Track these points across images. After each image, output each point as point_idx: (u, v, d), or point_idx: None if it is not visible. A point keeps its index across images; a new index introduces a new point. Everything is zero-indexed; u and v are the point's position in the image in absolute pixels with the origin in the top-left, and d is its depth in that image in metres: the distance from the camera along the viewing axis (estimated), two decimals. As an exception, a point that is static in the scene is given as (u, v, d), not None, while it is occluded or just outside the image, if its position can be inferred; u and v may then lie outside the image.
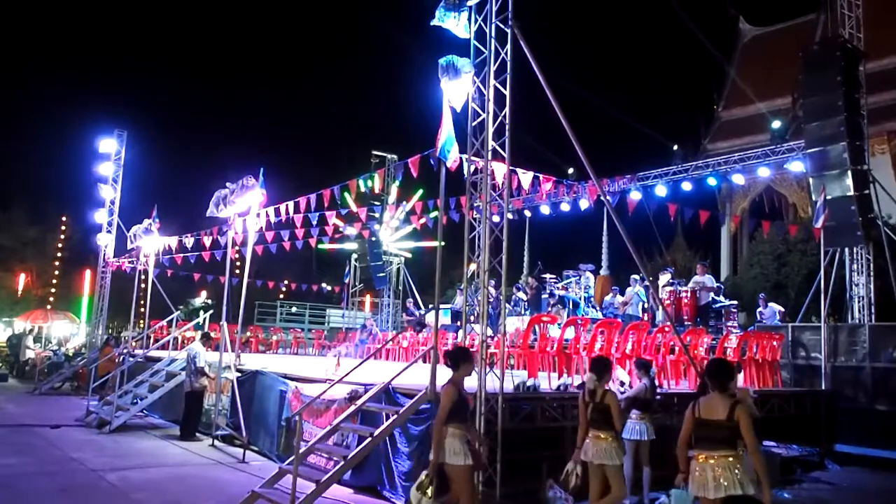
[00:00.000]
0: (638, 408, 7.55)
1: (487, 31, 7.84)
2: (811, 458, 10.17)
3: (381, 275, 23.17)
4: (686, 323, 13.95)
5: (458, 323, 13.39)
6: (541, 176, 16.14)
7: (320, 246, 21.06)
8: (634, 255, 9.37)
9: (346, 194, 16.96)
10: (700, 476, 4.72)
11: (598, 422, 5.91)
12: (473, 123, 7.94)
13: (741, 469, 4.65)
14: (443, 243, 8.34)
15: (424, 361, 8.50)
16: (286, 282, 29.97)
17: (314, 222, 19.11)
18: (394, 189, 23.79)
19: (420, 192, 22.67)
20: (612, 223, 13.29)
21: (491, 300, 8.29)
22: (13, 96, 53.73)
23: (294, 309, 27.56)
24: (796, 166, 15.13)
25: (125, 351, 16.23)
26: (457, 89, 7.70)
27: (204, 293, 37.11)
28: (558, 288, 16.19)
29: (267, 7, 73.28)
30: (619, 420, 5.98)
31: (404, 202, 23.89)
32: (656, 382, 7.85)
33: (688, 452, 4.92)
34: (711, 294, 14.89)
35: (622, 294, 15.56)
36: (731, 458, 4.67)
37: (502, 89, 7.76)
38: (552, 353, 9.90)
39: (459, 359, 5.81)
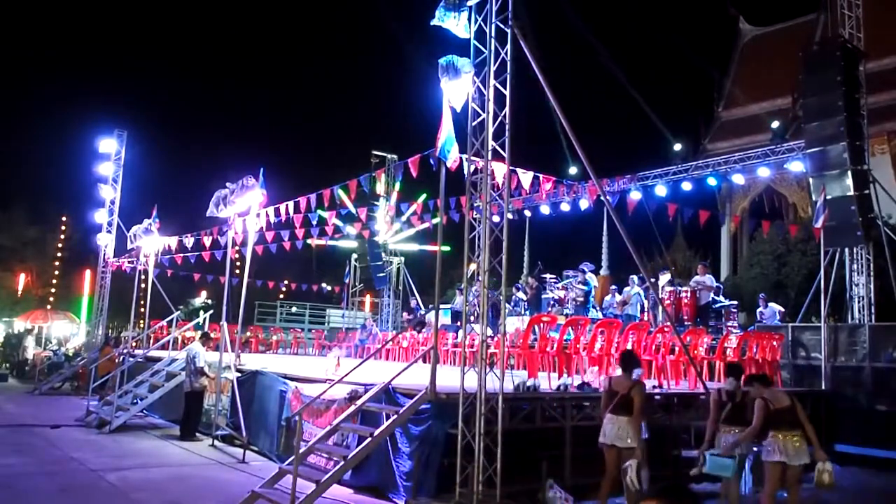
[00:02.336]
0: None
1: (487, 31, 7.83)
2: (811, 458, 10.15)
3: (381, 275, 23.18)
4: (686, 323, 13.94)
5: (458, 323, 13.39)
6: (541, 176, 16.13)
7: (310, 242, 20.83)
8: (634, 255, 9.38)
9: (340, 192, 16.90)
10: (783, 448, 6.24)
11: (735, 418, 6.75)
12: (473, 123, 7.93)
13: (806, 445, 6.26)
14: (446, 248, 8.33)
15: (424, 361, 8.49)
16: (286, 282, 29.95)
17: (314, 222, 19.12)
18: (383, 186, 23.66)
19: (423, 195, 22.65)
20: (612, 223, 13.30)
21: (491, 300, 8.29)
22: (13, 96, 53.69)
23: (294, 309, 27.55)
24: (796, 166, 15.14)
25: (125, 351, 16.23)
26: (457, 89, 7.70)
27: (204, 293, 37.12)
28: (558, 288, 16.19)
29: (267, 7, 73.35)
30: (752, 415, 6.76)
31: (404, 203, 23.89)
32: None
33: (755, 435, 6.39)
34: (711, 294, 14.89)
35: (622, 294, 15.56)
36: (800, 436, 6.28)
37: (502, 89, 7.75)
38: (552, 353, 9.90)
39: (636, 361, 7.10)
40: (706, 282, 15.04)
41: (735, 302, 15.80)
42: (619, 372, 7.11)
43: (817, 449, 6.35)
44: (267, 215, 16.10)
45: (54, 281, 37.55)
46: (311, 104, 67.56)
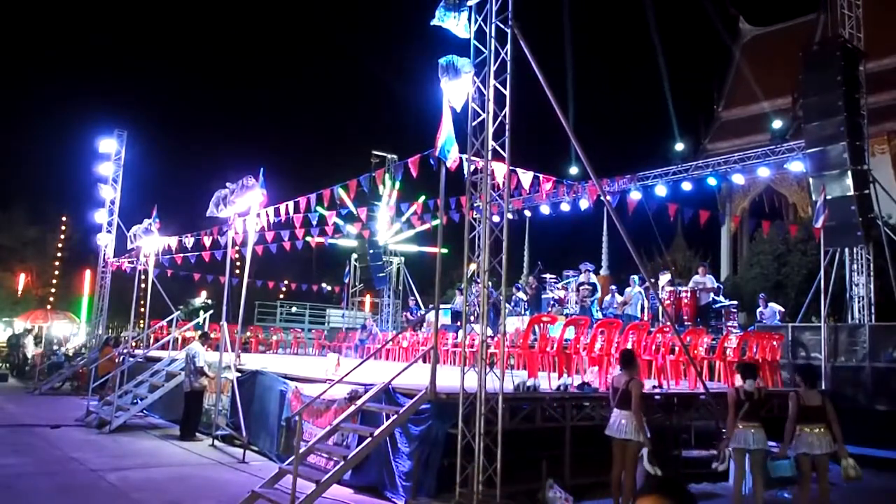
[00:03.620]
0: None
1: (487, 31, 7.83)
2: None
3: (381, 275, 23.19)
4: (686, 323, 13.94)
5: (458, 323, 13.39)
6: (541, 176, 16.12)
7: (310, 240, 20.79)
8: (634, 255, 9.37)
9: (340, 191, 16.90)
10: (807, 440, 6.91)
11: (753, 415, 7.17)
12: (473, 123, 7.93)
13: (829, 437, 6.90)
14: (445, 250, 8.33)
15: (424, 361, 8.49)
16: (286, 282, 29.95)
17: (314, 222, 19.10)
18: (387, 187, 23.64)
19: (423, 196, 22.63)
20: (612, 223, 13.30)
21: (491, 300, 8.30)
22: (13, 96, 53.66)
23: (294, 309, 27.56)
24: (796, 166, 15.14)
25: (125, 351, 16.23)
26: (457, 89, 7.70)
27: (204, 293, 37.12)
28: (558, 288, 16.19)
29: (267, 7, 73.34)
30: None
31: (404, 203, 23.88)
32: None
33: (795, 429, 6.98)
34: (711, 294, 14.89)
35: (621, 294, 15.57)
36: (823, 430, 6.94)
37: (502, 89, 7.75)
38: (552, 353, 9.89)
39: (633, 359, 7.38)
40: (706, 283, 15.04)
41: (735, 302, 15.79)
42: (619, 370, 7.46)
43: (840, 446, 6.94)
44: (267, 215, 16.10)
45: (54, 281, 37.56)
46: (311, 104, 67.58)
